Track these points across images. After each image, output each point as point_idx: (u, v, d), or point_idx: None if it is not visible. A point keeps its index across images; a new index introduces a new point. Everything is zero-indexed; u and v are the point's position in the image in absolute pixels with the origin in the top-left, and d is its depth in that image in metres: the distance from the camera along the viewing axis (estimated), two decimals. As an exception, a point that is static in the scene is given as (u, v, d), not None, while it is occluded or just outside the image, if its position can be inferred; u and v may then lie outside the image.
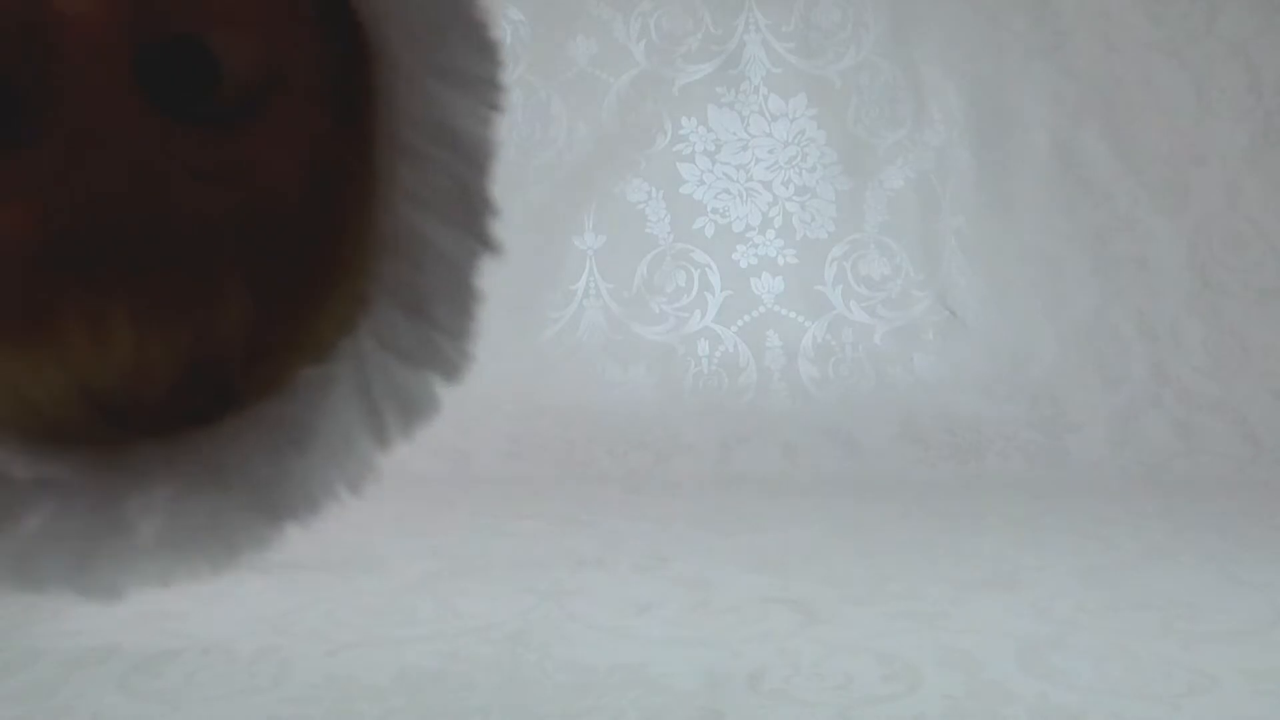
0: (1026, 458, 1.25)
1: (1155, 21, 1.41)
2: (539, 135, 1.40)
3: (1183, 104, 1.41)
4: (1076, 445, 1.27)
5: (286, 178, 0.42)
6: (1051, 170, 1.41)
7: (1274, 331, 1.35)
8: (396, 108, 0.41)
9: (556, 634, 0.68)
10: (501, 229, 0.41)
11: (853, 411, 1.32)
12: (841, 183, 1.41)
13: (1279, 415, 1.29)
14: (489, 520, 1.01)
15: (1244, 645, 0.67)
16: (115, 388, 0.40)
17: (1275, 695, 0.59)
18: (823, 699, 0.58)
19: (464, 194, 0.41)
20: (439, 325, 0.40)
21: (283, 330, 0.42)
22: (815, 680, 0.60)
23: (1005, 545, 0.91)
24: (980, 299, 1.39)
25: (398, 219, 0.40)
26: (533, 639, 0.67)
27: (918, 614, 0.72)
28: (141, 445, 0.41)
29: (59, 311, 0.39)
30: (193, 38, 0.40)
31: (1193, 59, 1.41)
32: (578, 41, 1.40)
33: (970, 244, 1.41)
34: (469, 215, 0.40)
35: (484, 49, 0.41)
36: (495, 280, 0.47)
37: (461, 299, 0.41)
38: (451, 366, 0.41)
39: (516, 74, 1.36)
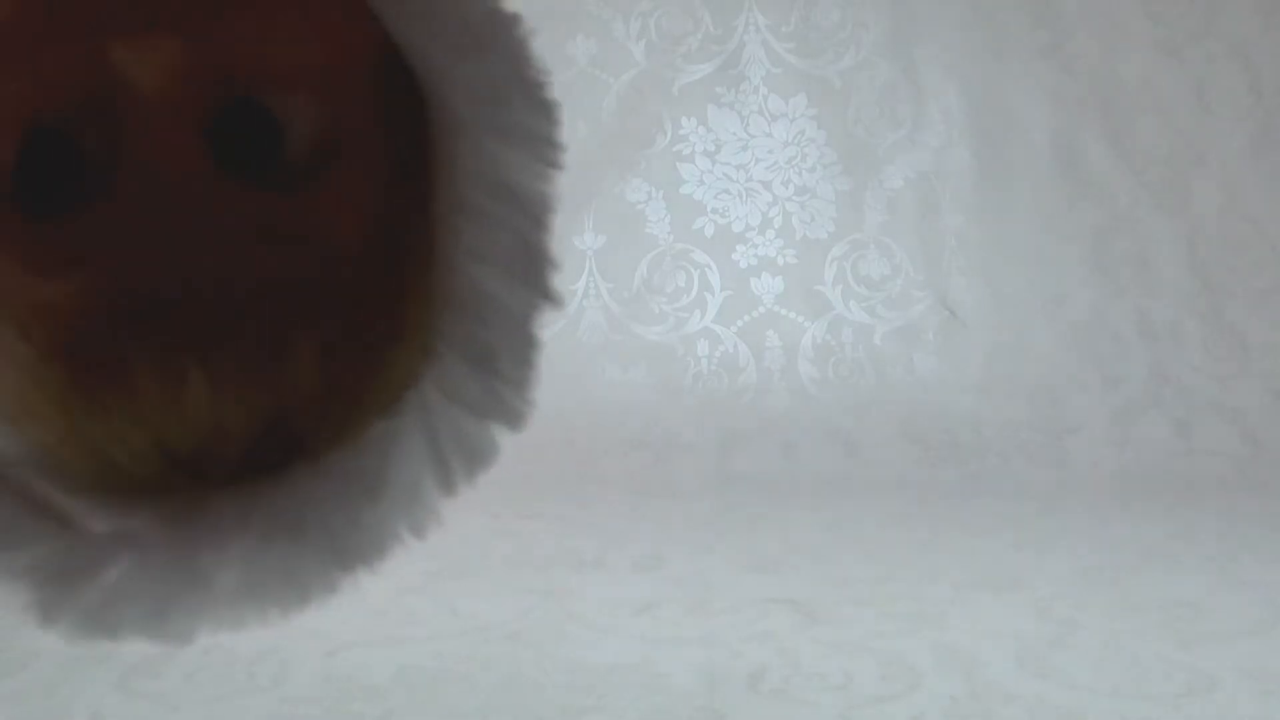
0: (1026, 457, 1.25)
1: (1155, 21, 1.41)
2: (539, 135, 1.40)
3: (1183, 104, 1.41)
4: (1076, 445, 1.27)
5: (348, 236, 0.43)
6: (1051, 170, 1.41)
7: (1274, 331, 1.35)
8: (458, 167, 0.42)
9: (556, 634, 0.68)
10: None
11: (852, 412, 1.32)
12: (841, 183, 1.41)
13: (1279, 415, 1.29)
14: (488, 520, 1.01)
15: (1244, 645, 0.67)
16: (193, 445, 0.41)
17: (1275, 696, 0.59)
18: (822, 699, 0.58)
19: (526, 249, 0.41)
20: (503, 376, 0.41)
21: (350, 384, 0.43)
22: (815, 680, 0.61)
23: (1005, 545, 0.91)
24: (980, 299, 1.39)
25: (461, 275, 0.41)
26: (532, 639, 0.67)
27: (917, 614, 0.72)
28: (214, 497, 0.42)
29: (137, 371, 0.40)
30: (257, 103, 0.40)
31: (1193, 59, 1.41)
32: (577, 41, 1.40)
33: (970, 244, 1.41)
34: (531, 270, 0.41)
35: (543, 108, 0.42)
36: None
37: (524, 351, 0.42)
38: (515, 416, 0.42)
39: (516, 74, 1.36)
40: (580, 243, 1.40)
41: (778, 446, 1.28)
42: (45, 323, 0.41)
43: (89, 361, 0.41)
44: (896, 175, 1.42)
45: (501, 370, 0.41)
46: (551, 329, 1.37)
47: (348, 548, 0.42)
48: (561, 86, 1.44)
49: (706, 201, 1.41)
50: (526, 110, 0.42)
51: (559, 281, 0.42)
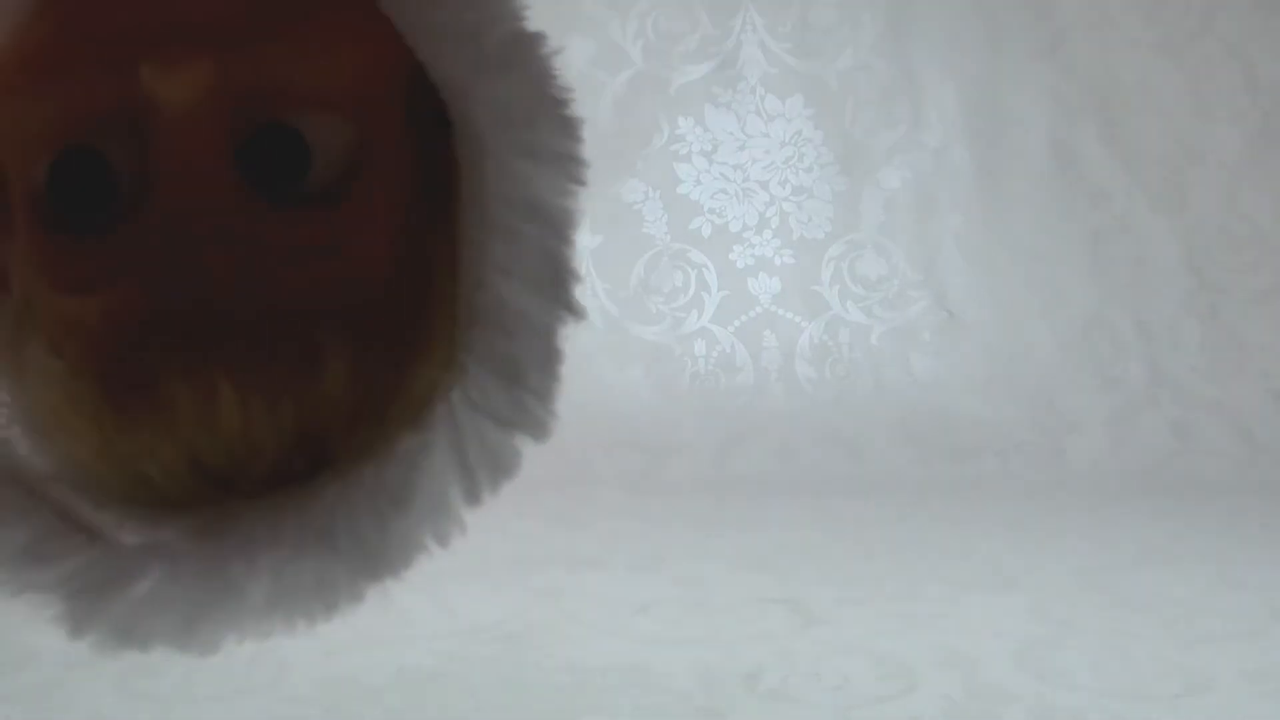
0: (1024, 458, 1.25)
1: (1152, 22, 1.41)
2: (536, 135, 1.40)
3: (1180, 104, 1.41)
4: (1074, 446, 1.27)
5: (374, 252, 0.44)
6: (1048, 170, 1.41)
7: (1271, 332, 1.35)
8: (484, 185, 0.43)
9: (554, 634, 0.68)
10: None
11: (849, 412, 1.32)
12: (838, 183, 1.41)
13: (1276, 415, 1.29)
14: (486, 520, 1.01)
15: (1241, 645, 0.67)
16: (224, 459, 0.42)
17: (1272, 695, 0.59)
18: (820, 699, 0.58)
19: (551, 264, 0.43)
20: (529, 388, 0.42)
21: (377, 398, 0.44)
22: (812, 680, 0.61)
23: (1002, 546, 0.91)
24: (977, 299, 1.39)
25: (487, 290, 0.42)
26: (530, 639, 0.67)
27: (915, 614, 0.72)
28: (244, 509, 0.42)
29: (168, 387, 0.40)
30: (285, 123, 0.41)
31: (1190, 59, 1.41)
32: (575, 41, 1.40)
33: (967, 244, 1.41)
34: (556, 285, 0.43)
35: (567, 126, 0.43)
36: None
37: (549, 362, 0.43)
38: (540, 426, 0.43)
39: (514, 74, 1.36)
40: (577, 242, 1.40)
41: (775, 446, 1.28)
42: (77, 339, 0.42)
43: (121, 377, 0.42)
44: (894, 175, 1.42)
45: (529, 382, 0.42)
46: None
47: (377, 558, 0.43)
48: (559, 86, 1.45)
49: (703, 201, 1.41)
50: (551, 129, 0.43)
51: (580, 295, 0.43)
